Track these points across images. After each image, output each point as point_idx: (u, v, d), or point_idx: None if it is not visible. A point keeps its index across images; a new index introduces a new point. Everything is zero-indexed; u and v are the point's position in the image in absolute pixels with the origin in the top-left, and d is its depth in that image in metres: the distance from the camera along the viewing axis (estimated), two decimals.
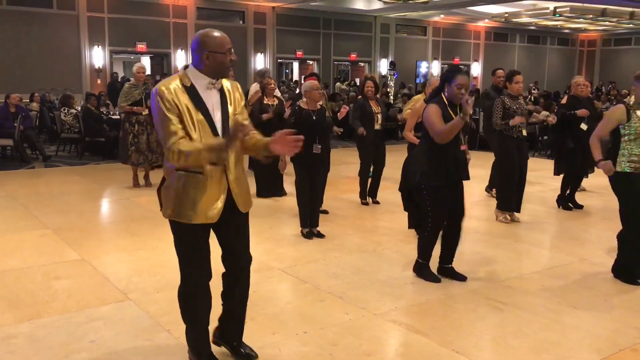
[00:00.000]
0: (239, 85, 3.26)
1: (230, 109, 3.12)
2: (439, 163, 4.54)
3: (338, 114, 6.92)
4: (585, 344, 3.69)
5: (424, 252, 4.78)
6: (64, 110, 12.02)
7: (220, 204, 3.06)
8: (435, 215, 4.64)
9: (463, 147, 4.67)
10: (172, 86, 2.97)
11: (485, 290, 4.56)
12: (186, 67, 3.10)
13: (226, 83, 3.16)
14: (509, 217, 6.71)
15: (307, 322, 3.93)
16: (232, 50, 3.08)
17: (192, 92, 3.00)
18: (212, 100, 3.06)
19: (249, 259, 3.30)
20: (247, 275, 3.31)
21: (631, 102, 4.79)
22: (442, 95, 4.59)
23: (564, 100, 7.78)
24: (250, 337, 3.66)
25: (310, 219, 6.08)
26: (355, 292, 4.47)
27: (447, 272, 4.82)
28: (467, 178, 4.77)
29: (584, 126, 7.13)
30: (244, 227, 3.28)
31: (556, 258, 5.39)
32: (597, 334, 3.82)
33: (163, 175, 3.17)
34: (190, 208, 3.03)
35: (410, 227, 5.18)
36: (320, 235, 6.04)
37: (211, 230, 3.18)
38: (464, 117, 4.35)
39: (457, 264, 4.99)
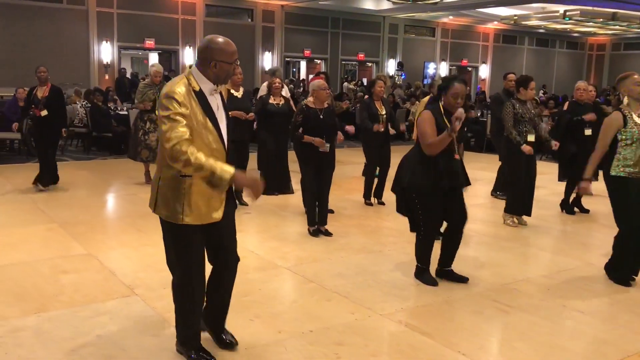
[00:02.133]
0: (226, 86, 3.37)
1: (227, 110, 3.24)
2: (429, 169, 4.48)
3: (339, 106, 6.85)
4: (592, 349, 3.68)
5: (421, 256, 4.75)
6: (84, 102, 12.09)
7: (223, 203, 3.16)
8: (426, 221, 4.61)
9: (457, 156, 4.57)
10: (184, 91, 2.99)
11: (492, 293, 4.55)
12: (191, 66, 3.13)
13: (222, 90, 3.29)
14: (516, 221, 6.69)
15: (312, 321, 3.93)
16: (238, 61, 3.18)
17: (201, 96, 3.05)
18: (216, 104, 3.13)
19: (236, 255, 3.38)
20: (233, 270, 3.38)
21: (625, 103, 4.81)
22: (439, 103, 4.55)
23: (565, 107, 7.70)
24: (256, 335, 3.68)
25: (318, 217, 6.08)
26: (361, 292, 4.47)
27: (447, 274, 4.79)
28: (465, 185, 4.69)
29: (587, 131, 7.08)
30: (234, 223, 3.37)
31: (562, 262, 5.37)
32: (603, 339, 3.80)
33: (157, 174, 3.17)
34: (197, 209, 3.08)
35: (412, 230, 5.09)
36: (327, 234, 6.05)
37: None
38: (451, 133, 4.30)
39: (463, 266, 4.99)
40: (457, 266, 5.03)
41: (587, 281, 4.90)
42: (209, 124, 3.05)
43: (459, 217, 4.67)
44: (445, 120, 4.47)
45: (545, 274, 5.06)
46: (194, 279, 3.22)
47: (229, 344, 3.46)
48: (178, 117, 2.92)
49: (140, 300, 4.20)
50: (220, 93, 3.22)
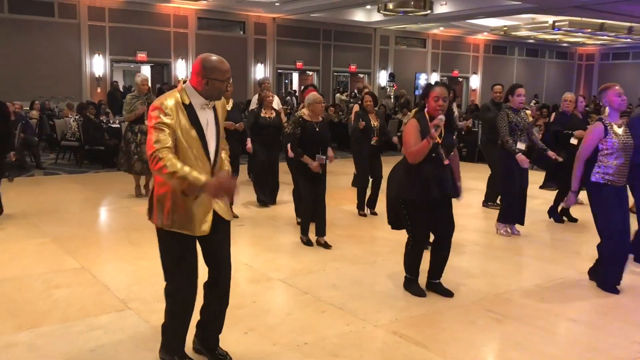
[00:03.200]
0: (224, 102, 3.40)
1: (221, 126, 3.29)
2: (416, 179, 4.46)
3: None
4: (585, 357, 3.69)
5: (409, 267, 4.75)
6: (77, 116, 12.08)
7: (210, 216, 3.21)
8: (414, 231, 4.61)
9: (447, 162, 4.53)
10: (173, 103, 3.09)
11: (485, 303, 4.56)
12: (185, 81, 3.21)
13: (217, 104, 3.32)
14: (509, 230, 6.72)
15: (307, 333, 3.92)
16: (230, 79, 3.25)
17: (190, 110, 3.13)
18: (206, 118, 3.20)
19: (229, 267, 3.40)
20: (227, 283, 3.39)
21: (606, 113, 4.90)
22: (424, 111, 4.55)
23: (552, 118, 7.72)
24: (251, 348, 3.67)
25: (317, 228, 6.08)
26: (355, 304, 4.47)
27: (434, 287, 4.75)
28: (455, 196, 4.66)
29: (574, 141, 7.13)
30: (228, 236, 3.39)
31: (555, 271, 5.40)
32: (597, 348, 3.82)
33: (152, 183, 3.27)
34: (188, 220, 3.16)
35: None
36: (327, 246, 6.02)
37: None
38: (429, 139, 4.31)
39: (457, 276, 5.00)
40: (450, 276, 5.05)
41: (579, 290, 4.93)
42: (195, 136, 3.12)
43: (446, 228, 4.63)
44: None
45: (538, 283, 5.09)
46: (186, 286, 3.26)
47: (223, 357, 3.46)
48: (162, 126, 3.03)
49: (134, 314, 4.19)
50: (214, 108, 3.26)
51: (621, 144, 4.76)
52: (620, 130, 4.82)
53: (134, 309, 4.27)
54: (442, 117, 4.37)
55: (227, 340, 3.60)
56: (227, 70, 3.17)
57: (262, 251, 5.92)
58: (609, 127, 4.78)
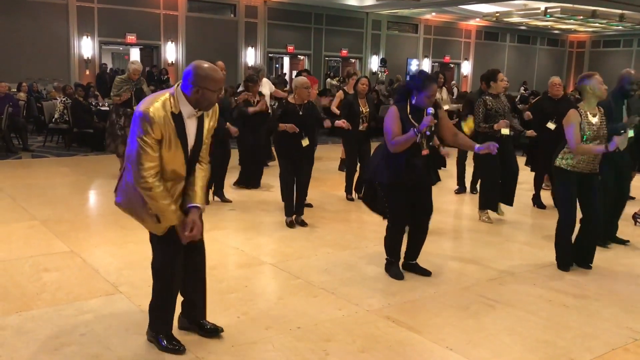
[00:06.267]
0: (216, 109, 3.33)
1: (205, 133, 3.26)
2: (392, 164, 4.50)
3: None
4: (578, 342, 3.70)
5: (389, 249, 4.77)
6: (64, 98, 11.91)
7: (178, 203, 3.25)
8: (392, 213, 4.63)
9: (425, 152, 4.54)
10: (162, 114, 3.04)
11: (478, 288, 4.56)
12: (178, 84, 3.15)
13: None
14: (490, 217, 6.69)
15: (300, 317, 3.90)
16: (222, 89, 3.25)
17: (178, 120, 3.08)
18: (191, 127, 3.17)
19: (203, 246, 3.46)
20: (204, 261, 3.49)
21: (582, 102, 4.93)
22: (408, 100, 4.52)
23: (532, 102, 7.63)
24: (243, 332, 3.65)
25: (295, 207, 6.21)
26: (347, 288, 4.45)
27: (412, 267, 4.81)
28: (433, 182, 4.68)
29: (551, 125, 7.05)
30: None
31: (547, 256, 5.40)
32: (588, 333, 3.83)
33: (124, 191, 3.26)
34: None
35: (384, 217, 4.91)
36: (303, 224, 6.20)
37: None
38: (417, 135, 4.36)
39: (448, 262, 5.00)
40: (441, 262, 5.07)
41: (571, 275, 4.94)
42: (180, 146, 3.11)
43: (422, 211, 4.68)
44: (411, 119, 4.46)
45: (529, 269, 5.09)
46: (173, 263, 3.29)
47: (214, 330, 3.52)
48: (147, 146, 3.00)
49: (124, 298, 4.15)
50: (202, 118, 3.22)
51: (593, 133, 4.81)
52: (595, 119, 4.85)
53: (125, 293, 4.23)
54: (431, 109, 4.41)
55: (219, 323, 3.59)
56: (220, 79, 3.11)
57: (253, 235, 5.88)
58: (583, 115, 4.81)
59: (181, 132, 3.09)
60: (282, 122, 6.00)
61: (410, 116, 4.47)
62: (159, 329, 3.39)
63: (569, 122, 4.80)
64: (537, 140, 7.15)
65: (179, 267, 3.32)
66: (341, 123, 6.51)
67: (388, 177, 4.52)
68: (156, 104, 3.05)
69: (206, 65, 3.10)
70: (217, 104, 3.30)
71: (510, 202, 6.74)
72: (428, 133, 4.45)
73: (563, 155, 4.92)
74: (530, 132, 7.07)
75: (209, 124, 3.28)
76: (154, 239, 3.31)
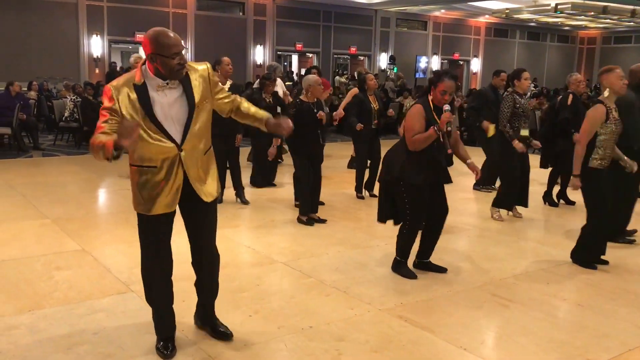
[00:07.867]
0: (205, 72, 3.16)
1: (197, 98, 3.08)
2: (418, 162, 4.46)
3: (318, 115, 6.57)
4: (593, 342, 3.65)
5: (403, 250, 4.71)
6: (74, 97, 11.95)
7: (176, 194, 3.13)
8: (413, 214, 4.57)
9: (450, 151, 4.50)
10: (122, 83, 2.99)
11: (491, 287, 4.52)
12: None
13: (193, 74, 3.11)
14: (502, 215, 6.64)
15: (312, 316, 3.88)
16: (182, 52, 3.00)
17: (141, 90, 2.98)
18: (165, 99, 3.01)
19: (212, 250, 3.37)
20: (211, 265, 3.40)
21: (605, 95, 4.82)
22: (428, 97, 4.51)
23: (569, 101, 7.20)
24: (256, 330, 3.63)
25: (311, 206, 6.21)
26: (359, 287, 4.43)
27: (426, 266, 4.79)
28: (448, 182, 4.65)
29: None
30: (208, 217, 3.32)
31: (560, 255, 5.35)
32: (604, 333, 3.78)
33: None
34: (148, 200, 3.12)
35: (379, 220, 4.87)
36: (321, 221, 6.18)
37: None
38: (437, 131, 4.33)
39: (460, 261, 4.95)
40: (453, 260, 5.03)
41: (586, 274, 4.89)
42: (145, 117, 2.98)
43: (441, 210, 4.65)
44: (435, 114, 4.44)
45: (543, 267, 5.04)
46: (154, 265, 3.27)
47: (224, 335, 3.48)
48: (104, 112, 2.97)
49: (136, 297, 4.14)
50: (188, 84, 3.06)
51: (617, 128, 4.75)
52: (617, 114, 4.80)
53: (136, 292, 4.22)
54: (447, 107, 4.40)
55: (231, 322, 3.57)
56: (172, 44, 2.91)
57: (264, 234, 5.86)
58: (609, 111, 4.73)
59: (144, 103, 2.95)
60: (297, 122, 5.90)
61: (433, 113, 4.45)
62: (155, 329, 3.42)
63: (595, 119, 4.73)
64: (553, 140, 7.11)
65: (158, 271, 3.28)
66: (339, 113, 6.54)
67: (424, 178, 4.44)
68: (120, 77, 3.07)
69: (158, 30, 2.97)
70: (200, 68, 3.14)
71: (525, 203, 6.69)
72: (449, 129, 4.41)
73: (595, 156, 4.79)
74: (536, 143, 7.12)
75: (202, 83, 3.11)
76: (141, 242, 3.28)
